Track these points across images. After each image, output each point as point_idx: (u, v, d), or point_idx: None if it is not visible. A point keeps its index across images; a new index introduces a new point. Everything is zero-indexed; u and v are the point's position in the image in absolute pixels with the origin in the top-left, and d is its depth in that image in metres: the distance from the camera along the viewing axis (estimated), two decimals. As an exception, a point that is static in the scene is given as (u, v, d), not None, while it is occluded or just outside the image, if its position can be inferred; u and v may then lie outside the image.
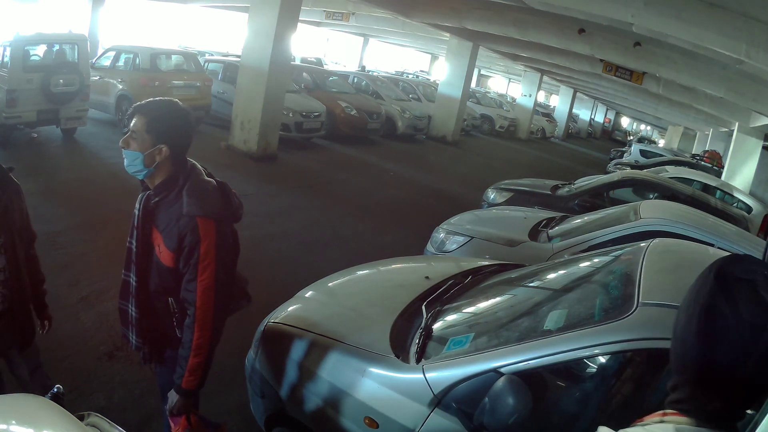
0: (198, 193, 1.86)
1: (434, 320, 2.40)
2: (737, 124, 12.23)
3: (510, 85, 39.60)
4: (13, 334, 2.25)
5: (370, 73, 19.12)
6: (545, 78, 22.33)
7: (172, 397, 1.92)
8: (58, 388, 1.52)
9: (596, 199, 6.47)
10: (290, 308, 2.68)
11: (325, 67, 20.62)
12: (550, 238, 4.40)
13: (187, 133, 1.92)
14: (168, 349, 2.05)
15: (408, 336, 2.35)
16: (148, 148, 1.84)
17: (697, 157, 14.54)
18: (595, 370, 2.15)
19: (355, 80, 15.55)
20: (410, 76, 23.43)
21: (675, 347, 0.91)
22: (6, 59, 7.41)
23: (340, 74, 15.39)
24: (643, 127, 44.44)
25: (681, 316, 0.90)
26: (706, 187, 8.64)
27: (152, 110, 1.86)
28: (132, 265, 1.96)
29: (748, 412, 0.99)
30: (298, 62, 18.40)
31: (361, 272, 3.15)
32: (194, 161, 2.01)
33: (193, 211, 1.82)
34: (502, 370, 1.87)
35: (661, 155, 15.62)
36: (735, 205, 8.31)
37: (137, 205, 1.93)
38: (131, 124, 1.87)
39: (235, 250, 2.06)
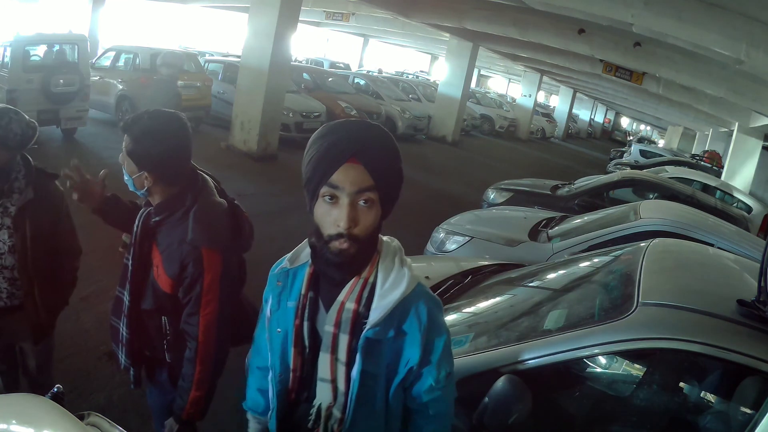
0: (206, 219, 1.70)
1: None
2: (737, 124, 12.23)
3: (510, 86, 39.60)
4: (25, 328, 2.28)
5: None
6: (545, 78, 22.34)
7: (172, 426, 1.79)
8: (58, 388, 1.51)
9: (596, 199, 6.48)
10: (290, 308, 2.68)
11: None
12: (550, 238, 4.40)
13: (176, 155, 1.72)
14: (158, 371, 1.92)
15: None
16: (134, 173, 1.71)
17: (697, 157, 14.55)
18: (595, 369, 2.15)
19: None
20: (410, 77, 23.46)
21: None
22: (6, 59, 7.40)
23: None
24: (642, 127, 44.44)
25: None
26: (706, 187, 8.64)
27: (135, 133, 1.68)
28: (127, 283, 1.82)
29: (747, 411, 0.99)
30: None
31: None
32: (206, 176, 1.85)
33: (197, 241, 1.67)
34: (502, 370, 1.87)
35: (661, 155, 15.63)
36: (735, 205, 8.31)
37: (137, 221, 1.79)
38: (123, 142, 1.73)
39: (240, 281, 1.94)
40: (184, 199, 1.73)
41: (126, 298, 1.82)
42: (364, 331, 1.19)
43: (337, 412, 1.25)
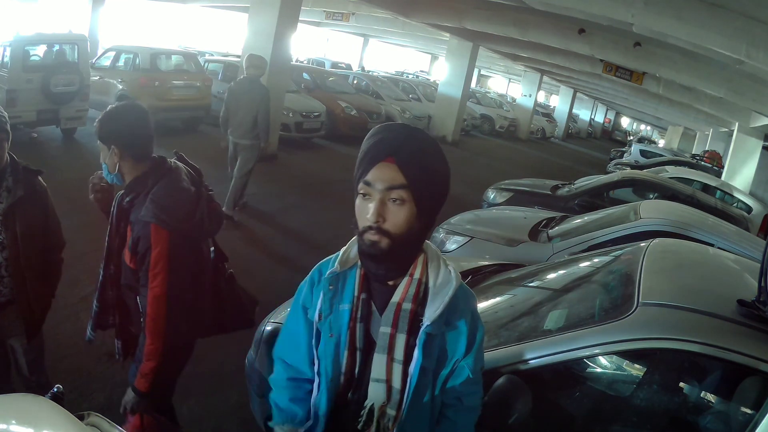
0: (159, 199, 1.84)
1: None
2: (737, 124, 12.23)
3: (510, 85, 39.60)
4: (16, 326, 2.29)
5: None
6: (545, 78, 22.33)
7: (128, 393, 1.92)
8: (58, 388, 1.51)
9: (596, 199, 6.47)
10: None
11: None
12: (550, 238, 4.40)
13: (138, 133, 1.92)
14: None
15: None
16: (106, 154, 1.91)
17: (697, 157, 14.54)
18: (595, 369, 2.15)
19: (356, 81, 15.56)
20: (410, 77, 23.45)
21: None
22: (6, 59, 7.40)
23: (342, 75, 15.37)
24: (643, 127, 44.44)
25: None
26: (706, 187, 8.63)
27: (103, 117, 1.92)
28: (104, 260, 2.03)
29: (748, 411, 0.99)
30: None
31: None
32: (180, 165, 2.00)
33: (147, 216, 1.82)
34: (502, 370, 1.87)
35: (661, 155, 15.62)
36: (735, 205, 8.31)
37: (113, 203, 1.97)
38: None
39: (198, 265, 2.01)
40: (146, 181, 1.89)
41: (101, 272, 2.03)
42: (422, 328, 1.24)
43: (391, 411, 1.27)
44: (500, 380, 1.70)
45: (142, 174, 1.91)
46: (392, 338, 1.25)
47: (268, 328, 2.52)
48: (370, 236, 1.21)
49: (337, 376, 1.31)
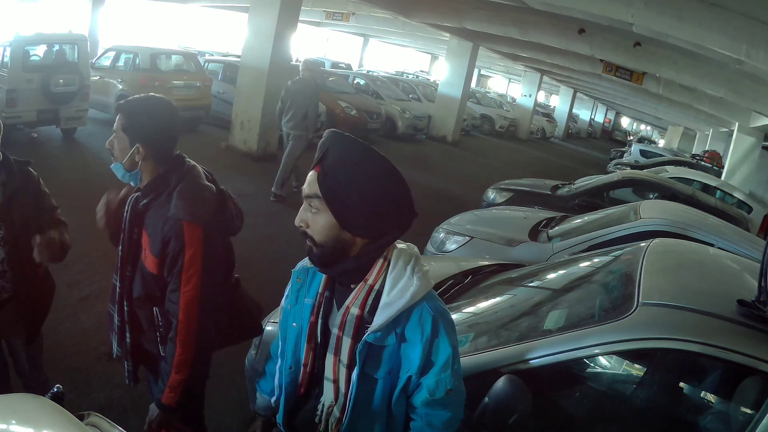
0: (188, 195, 1.71)
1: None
2: (737, 124, 12.23)
3: (510, 85, 39.60)
4: (18, 323, 2.26)
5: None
6: (545, 78, 22.33)
7: (153, 410, 1.78)
8: (58, 388, 1.50)
9: (596, 199, 6.47)
10: (290, 308, 2.67)
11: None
12: (550, 238, 4.40)
13: (167, 130, 1.78)
14: (156, 365, 1.90)
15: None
16: (126, 150, 1.74)
17: (697, 157, 14.54)
18: (595, 369, 2.15)
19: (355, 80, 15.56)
20: (410, 77, 23.44)
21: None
22: (6, 59, 7.40)
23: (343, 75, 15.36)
24: (643, 127, 44.44)
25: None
26: (706, 187, 8.62)
27: (129, 108, 1.75)
28: (118, 270, 1.85)
29: (747, 411, 0.99)
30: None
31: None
32: (196, 164, 1.89)
33: (179, 214, 1.68)
34: (503, 370, 1.87)
35: (661, 155, 15.63)
36: (735, 205, 8.30)
37: (126, 207, 1.82)
38: (114, 125, 1.78)
39: (228, 263, 1.91)
40: (168, 180, 1.76)
41: (118, 284, 1.85)
42: (364, 336, 1.22)
43: (336, 412, 1.29)
44: (500, 380, 1.70)
45: (163, 172, 1.77)
46: (339, 340, 1.26)
47: (269, 328, 2.52)
48: (306, 241, 1.25)
49: (297, 366, 1.35)
